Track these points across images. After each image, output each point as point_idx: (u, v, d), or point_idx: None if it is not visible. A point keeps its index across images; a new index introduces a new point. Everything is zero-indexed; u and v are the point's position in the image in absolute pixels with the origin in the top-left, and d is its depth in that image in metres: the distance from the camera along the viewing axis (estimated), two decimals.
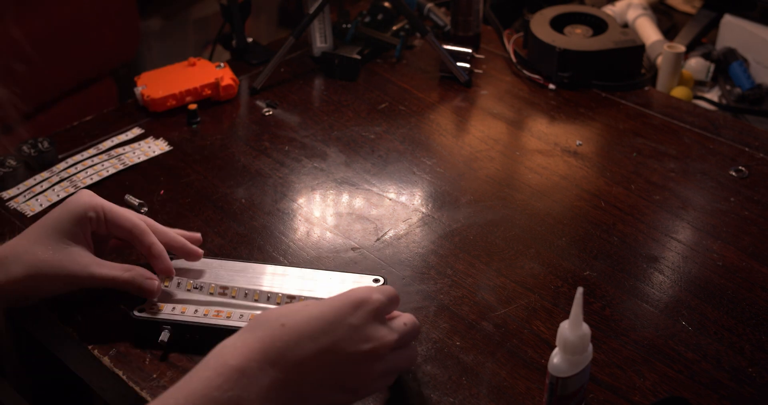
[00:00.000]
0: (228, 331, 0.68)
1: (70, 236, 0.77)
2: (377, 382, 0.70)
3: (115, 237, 0.82)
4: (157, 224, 0.82)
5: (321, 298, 0.72)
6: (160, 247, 0.80)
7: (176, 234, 0.83)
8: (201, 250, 0.83)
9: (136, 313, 0.78)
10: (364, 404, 0.74)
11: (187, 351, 0.77)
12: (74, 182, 0.98)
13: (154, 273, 0.79)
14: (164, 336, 0.77)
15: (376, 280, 0.82)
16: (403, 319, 0.71)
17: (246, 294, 0.79)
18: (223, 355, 0.64)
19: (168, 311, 0.78)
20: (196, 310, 0.78)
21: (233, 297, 0.79)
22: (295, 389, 0.65)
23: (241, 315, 0.78)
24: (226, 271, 0.83)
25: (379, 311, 0.69)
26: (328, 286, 0.82)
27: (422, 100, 1.15)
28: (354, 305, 0.68)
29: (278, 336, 0.65)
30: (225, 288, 0.79)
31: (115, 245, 0.85)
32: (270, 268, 0.84)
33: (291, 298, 0.79)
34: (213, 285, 0.79)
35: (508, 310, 0.83)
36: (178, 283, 0.80)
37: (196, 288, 0.79)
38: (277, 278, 0.83)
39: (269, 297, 0.79)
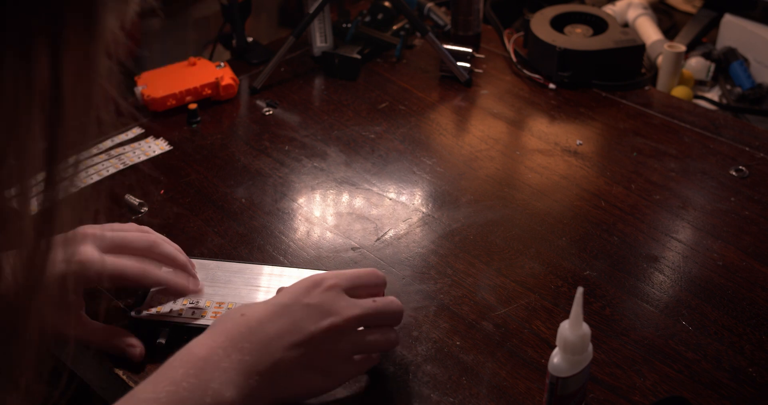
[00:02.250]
0: None
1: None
2: (350, 364, 0.71)
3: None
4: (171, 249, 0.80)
5: None
6: (172, 279, 0.79)
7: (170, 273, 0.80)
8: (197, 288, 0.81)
9: (134, 314, 0.78)
10: (363, 403, 0.74)
11: None
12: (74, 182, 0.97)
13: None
14: (162, 337, 0.77)
15: None
16: (375, 297, 0.72)
17: None
18: (190, 348, 0.66)
19: (166, 312, 0.78)
20: (193, 312, 0.78)
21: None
22: (264, 373, 0.66)
23: None
24: (223, 272, 0.83)
25: (336, 289, 0.70)
26: None
27: (422, 100, 1.15)
28: (308, 287, 0.70)
29: (241, 323, 0.67)
30: (221, 303, 0.80)
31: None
32: (267, 269, 0.84)
33: None
34: (209, 301, 0.80)
35: (508, 310, 0.83)
36: (174, 300, 0.80)
37: (192, 303, 0.79)
38: (274, 279, 0.83)
39: None
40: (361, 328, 0.71)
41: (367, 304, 0.71)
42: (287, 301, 0.69)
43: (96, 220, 0.78)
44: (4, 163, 0.46)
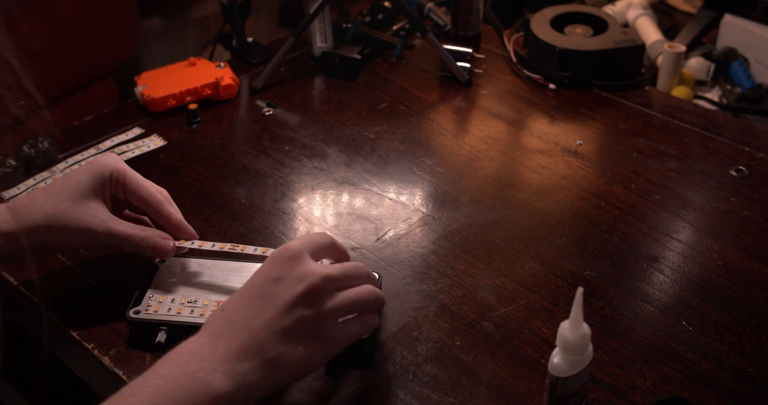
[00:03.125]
0: None
1: (90, 192, 0.78)
2: (342, 326, 0.70)
3: (133, 203, 0.82)
4: (172, 202, 0.83)
5: None
6: (179, 217, 0.81)
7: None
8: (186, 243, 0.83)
9: (131, 315, 0.78)
10: (363, 403, 0.74)
11: None
12: None
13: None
14: (161, 337, 0.77)
15: None
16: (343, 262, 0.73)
17: None
18: (179, 347, 0.67)
19: (164, 312, 0.78)
20: (192, 311, 0.78)
21: None
22: (252, 357, 0.66)
23: None
24: (221, 271, 0.83)
25: (299, 254, 0.69)
26: None
27: (422, 100, 1.15)
28: (274, 261, 0.69)
29: (221, 317, 0.68)
30: (219, 303, 0.79)
31: (129, 217, 0.84)
32: None
33: None
34: (207, 300, 0.80)
35: (509, 310, 0.83)
36: (172, 300, 0.79)
37: (190, 302, 0.79)
38: None
39: None
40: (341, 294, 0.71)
41: (336, 265, 0.71)
42: (257, 281, 0.69)
43: None
44: None
